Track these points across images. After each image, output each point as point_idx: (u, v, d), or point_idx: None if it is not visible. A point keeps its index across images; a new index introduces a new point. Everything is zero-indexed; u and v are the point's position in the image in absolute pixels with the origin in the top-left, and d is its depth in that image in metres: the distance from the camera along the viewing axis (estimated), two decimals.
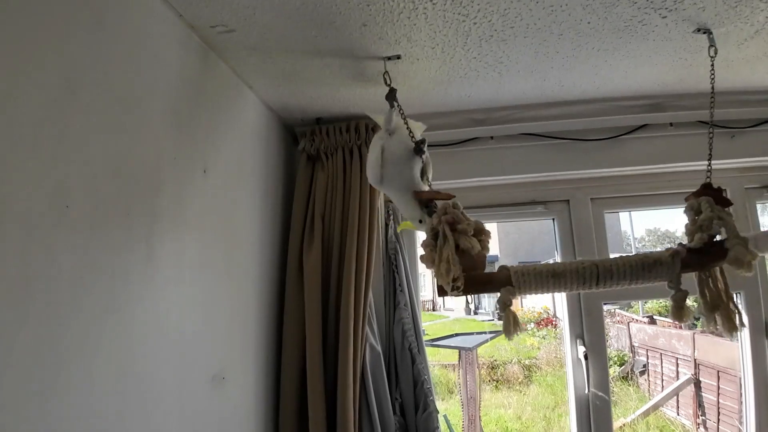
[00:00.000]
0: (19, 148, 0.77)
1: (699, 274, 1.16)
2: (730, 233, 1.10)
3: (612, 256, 1.27)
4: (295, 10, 1.25)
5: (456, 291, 1.15)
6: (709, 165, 1.30)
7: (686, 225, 1.21)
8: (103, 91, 0.97)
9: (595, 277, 1.13)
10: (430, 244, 1.20)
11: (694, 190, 1.27)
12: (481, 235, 1.20)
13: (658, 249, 1.24)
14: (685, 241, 1.21)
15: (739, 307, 1.13)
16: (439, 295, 1.22)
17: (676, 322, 1.14)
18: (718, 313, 1.12)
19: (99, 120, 0.95)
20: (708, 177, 1.27)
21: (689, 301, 1.14)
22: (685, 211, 1.24)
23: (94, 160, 0.93)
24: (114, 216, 0.98)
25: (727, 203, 1.18)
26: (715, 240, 1.13)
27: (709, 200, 1.17)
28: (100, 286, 0.93)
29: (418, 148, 1.40)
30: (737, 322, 1.10)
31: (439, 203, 1.29)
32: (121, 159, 1.01)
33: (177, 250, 1.21)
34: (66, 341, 0.84)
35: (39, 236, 0.79)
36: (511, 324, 1.13)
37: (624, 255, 1.17)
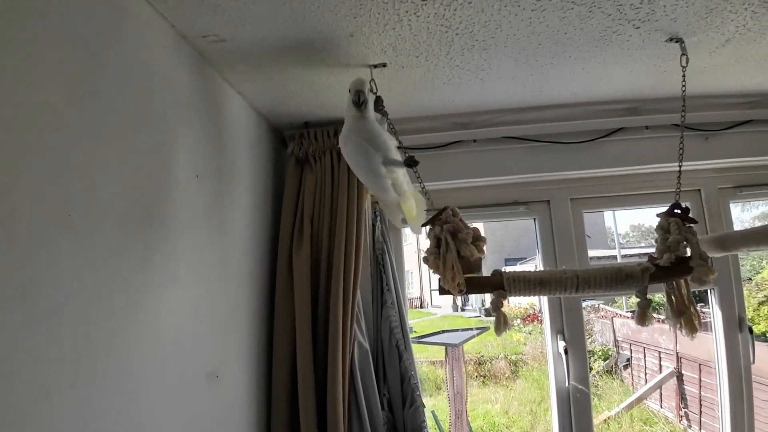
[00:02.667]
0: (26, 158, 0.81)
1: (666, 284, 1.32)
2: (695, 253, 1.27)
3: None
4: (285, 21, 1.29)
5: (458, 292, 1.31)
6: (679, 175, 1.45)
7: (656, 240, 1.35)
8: (102, 103, 1.01)
9: (575, 286, 1.30)
10: (434, 252, 1.34)
11: (668, 191, 1.47)
12: (478, 241, 1.33)
13: (642, 244, 1.41)
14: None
15: (699, 311, 1.30)
16: (440, 294, 1.35)
17: (640, 325, 1.31)
18: (683, 317, 1.28)
19: (98, 131, 0.99)
20: (678, 194, 1.42)
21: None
22: (655, 230, 1.37)
23: (94, 169, 0.97)
24: (112, 223, 1.02)
25: (693, 221, 1.33)
26: (681, 257, 1.29)
27: (677, 222, 1.31)
28: (100, 289, 0.97)
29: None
30: (697, 324, 1.27)
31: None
32: (119, 168, 1.05)
33: (172, 254, 1.25)
34: (69, 343, 0.88)
35: (44, 242, 0.84)
36: (501, 323, 1.32)
37: (602, 266, 1.33)
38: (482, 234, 1.37)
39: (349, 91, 1.47)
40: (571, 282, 1.30)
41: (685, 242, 1.29)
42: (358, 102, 1.45)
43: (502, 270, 1.37)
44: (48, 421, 0.83)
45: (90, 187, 0.96)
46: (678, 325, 1.29)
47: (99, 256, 0.97)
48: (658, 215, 1.40)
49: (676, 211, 1.35)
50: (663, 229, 1.34)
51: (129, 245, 1.07)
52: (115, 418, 1.00)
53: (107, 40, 1.04)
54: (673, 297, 1.31)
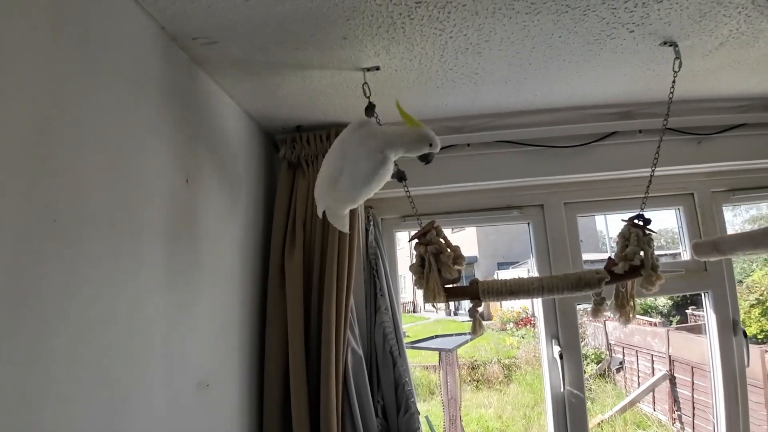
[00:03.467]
0: (9, 162, 0.78)
1: (617, 285, 1.50)
2: (647, 263, 1.42)
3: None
4: (277, 23, 1.28)
5: (440, 302, 1.46)
6: (650, 181, 1.56)
7: (617, 243, 1.50)
8: (88, 105, 0.98)
9: (540, 292, 1.46)
10: (418, 271, 1.47)
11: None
12: (459, 259, 1.46)
13: None
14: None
15: (636, 306, 1.51)
16: (425, 302, 1.49)
17: (594, 319, 1.51)
18: (623, 310, 1.49)
19: (85, 134, 0.97)
20: (644, 203, 1.54)
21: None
22: (617, 236, 1.51)
23: (81, 174, 0.95)
24: (100, 228, 0.99)
25: (651, 231, 1.46)
26: (634, 266, 1.44)
27: (638, 233, 1.45)
28: (87, 296, 0.95)
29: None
30: (631, 317, 1.49)
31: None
32: (107, 172, 1.03)
33: (161, 260, 1.23)
34: (55, 351, 0.86)
35: (28, 249, 0.81)
36: (476, 326, 1.49)
37: (564, 274, 1.50)
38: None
39: (430, 144, 1.42)
40: (537, 290, 1.46)
41: (641, 252, 1.43)
42: (427, 161, 1.46)
43: (478, 279, 1.49)
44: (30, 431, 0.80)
45: (76, 192, 0.93)
46: (617, 316, 1.50)
47: (86, 263, 0.95)
48: (623, 220, 1.50)
49: (636, 221, 1.47)
50: (624, 237, 1.47)
51: (117, 251, 1.05)
52: (101, 430, 0.97)
53: (94, 41, 1.01)
54: (619, 294, 1.50)
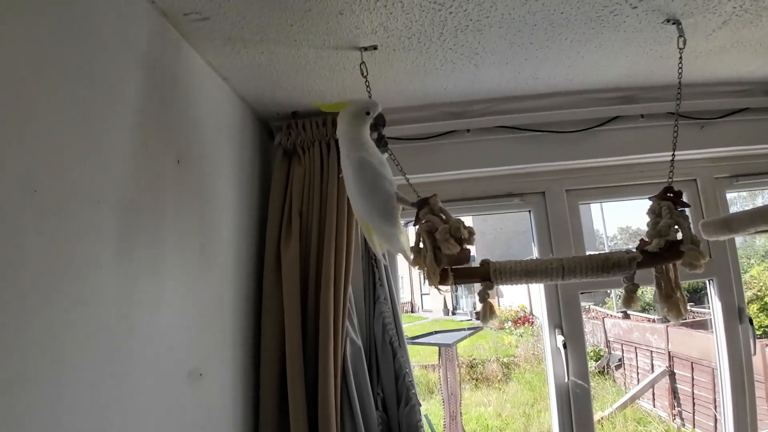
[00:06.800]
0: None
1: (655, 269, 1.31)
2: (686, 237, 1.25)
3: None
4: None
5: (444, 285, 1.32)
6: (672, 162, 1.44)
7: (648, 223, 1.33)
8: (72, 76, 0.94)
9: (560, 275, 1.30)
10: (416, 250, 1.34)
11: (664, 181, 1.40)
12: (459, 231, 1.29)
13: (630, 246, 1.38)
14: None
15: (686, 296, 1.31)
16: (430, 285, 1.35)
17: (626, 309, 1.32)
18: (670, 301, 1.28)
19: (67, 105, 0.92)
20: (670, 178, 1.41)
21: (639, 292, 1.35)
22: (647, 213, 1.35)
23: (63, 144, 0.90)
24: (84, 203, 0.95)
25: (685, 205, 1.32)
26: (671, 242, 1.27)
27: (669, 206, 1.30)
28: (69, 276, 0.90)
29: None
30: (683, 309, 1.28)
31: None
32: (91, 145, 0.98)
33: (150, 241, 1.18)
34: (33, 333, 0.81)
35: (5, 218, 0.76)
36: (487, 313, 1.33)
37: (589, 254, 1.34)
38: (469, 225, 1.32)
39: (368, 112, 1.39)
40: (557, 271, 1.30)
41: (676, 226, 1.27)
42: (380, 137, 1.43)
43: (489, 260, 1.36)
44: (9, 417, 0.75)
45: (58, 164, 0.89)
46: (665, 310, 1.30)
47: (67, 240, 0.90)
48: (650, 198, 1.37)
49: (668, 194, 1.34)
50: (654, 212, 1.33)
51: (102, 229, 1.00)
52: (87, 417, 0.92)
53: (79, 12, 0.97)
54: (662, 281, 1.31)
